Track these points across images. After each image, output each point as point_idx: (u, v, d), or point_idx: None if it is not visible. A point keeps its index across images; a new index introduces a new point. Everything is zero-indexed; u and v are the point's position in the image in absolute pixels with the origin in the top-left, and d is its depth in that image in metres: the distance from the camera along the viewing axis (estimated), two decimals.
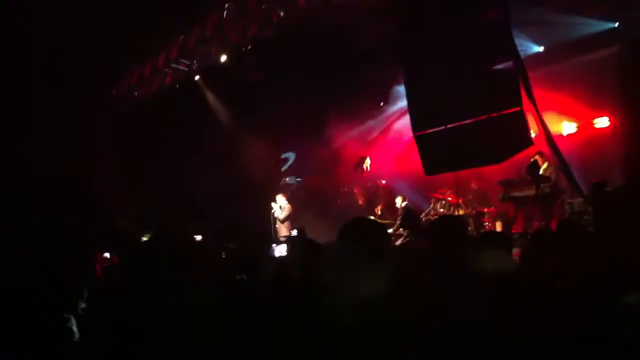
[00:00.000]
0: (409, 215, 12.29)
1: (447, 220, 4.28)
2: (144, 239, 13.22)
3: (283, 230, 13.22)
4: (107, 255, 11.59)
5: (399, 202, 12.86)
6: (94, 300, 3.86)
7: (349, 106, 15.44)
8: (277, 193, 13.68)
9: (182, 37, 12.49)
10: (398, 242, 11.60)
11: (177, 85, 13.83)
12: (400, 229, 12.24)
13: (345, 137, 15.75)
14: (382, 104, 15.38)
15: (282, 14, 10.86)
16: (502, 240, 4.21)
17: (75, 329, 3.40)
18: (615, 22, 11.57)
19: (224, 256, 6.23)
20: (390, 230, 11.93)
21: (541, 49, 12.56)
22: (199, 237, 9.66)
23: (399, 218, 12.36)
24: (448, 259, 3.30)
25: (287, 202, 13.49)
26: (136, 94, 14.48)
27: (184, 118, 14.64)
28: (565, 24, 11.76)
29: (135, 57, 13.76)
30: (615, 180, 10.13)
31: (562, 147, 8.62)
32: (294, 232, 13.19)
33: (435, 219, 9.16)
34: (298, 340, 1.68)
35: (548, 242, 4.48)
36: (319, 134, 15.70)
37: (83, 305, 4.08)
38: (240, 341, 2.40)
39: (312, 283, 1.65)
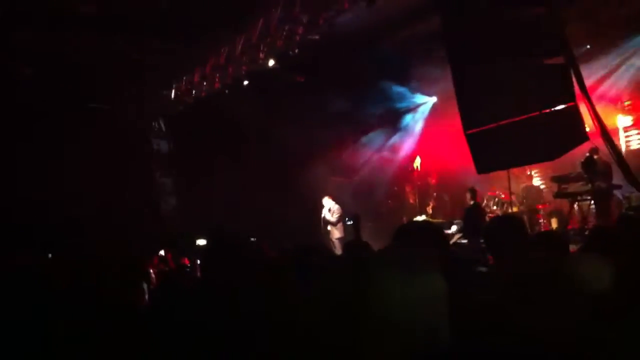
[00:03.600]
0: (473, 215, 11.71)
1: (504, 221, 4.20)
2: (200, 242, 13.53)
3: (336, 233, 13.28)
4: (162, 253, 11.97)
5: (467, 198, 12.15)
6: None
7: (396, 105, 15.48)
8: (324, 195, 13.76)
9: (230, 43, 12.68)
10: (452, 241, 11.50)
11: (227, 91, 14.04)
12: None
13: (395, 137, 15.76)
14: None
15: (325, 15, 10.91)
16: (558, 241, 4.12)
17: None
18: None
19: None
20: (454, 228, 11.84)
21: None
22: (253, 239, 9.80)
23: (464, 216, 11.94)
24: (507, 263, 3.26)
25: (335, 203, 13.55)
26: (187, 100, 14.78)
27: (233, 122, 14.89)
28: None
29: (185, 65, 14.05)
30: None
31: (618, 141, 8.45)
32: (350, 222, 13.20)
33: (492, 219, 9.02)
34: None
35: (608, 239, 4.38)
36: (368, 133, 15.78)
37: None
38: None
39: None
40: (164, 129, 16.24)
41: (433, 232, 2.86)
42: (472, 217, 11.63)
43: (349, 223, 13.19)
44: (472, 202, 12.02)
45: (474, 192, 12.10)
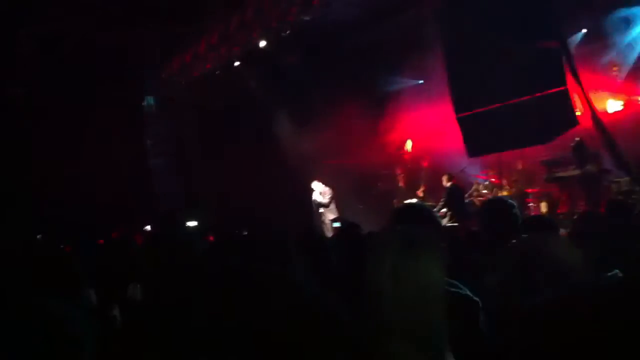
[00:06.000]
0: (455, 196, 11.99)
1: (497, 203, 4.23)
2: (189, 224, 13.51)
3: (329, 214, 13.31)
4: (148, 227, 11.96)
5: (444, 181, 12.29)
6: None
7: (389, 87, 15.41)
8: (314, 178, 13.79)
9: (222, 22, 12.57)
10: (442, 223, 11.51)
11: (217, 72, 13.95)
12: (443, 210, 12.00)
13: (386, 119, 15.66)
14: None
15: None
16: (549, 225, 4.16)
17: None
18: None
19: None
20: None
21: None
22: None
23: (444, 198, 12.06)
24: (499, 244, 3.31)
25: (324, 186, 13.57)
26: (179, 80, 14.70)
27: (224, 103, 14.82)
28: None
29: (177, 45, 13.94)
30: None
31: (608, 125, 8.46)
32: (336, 225, 13.21)
33: (485, 201, 9.06)
34: None
35: (597, 224, 4.42)
36: (359, 117, 15.68)
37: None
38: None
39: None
40: (157, 109, 16.15)
41: (430, 214, 2.90)
42: (455, 199, 11.80)
43: (336, 225, 13.15)
44: (449, 184, 12.06)
45: (451, 175, 12.22)
